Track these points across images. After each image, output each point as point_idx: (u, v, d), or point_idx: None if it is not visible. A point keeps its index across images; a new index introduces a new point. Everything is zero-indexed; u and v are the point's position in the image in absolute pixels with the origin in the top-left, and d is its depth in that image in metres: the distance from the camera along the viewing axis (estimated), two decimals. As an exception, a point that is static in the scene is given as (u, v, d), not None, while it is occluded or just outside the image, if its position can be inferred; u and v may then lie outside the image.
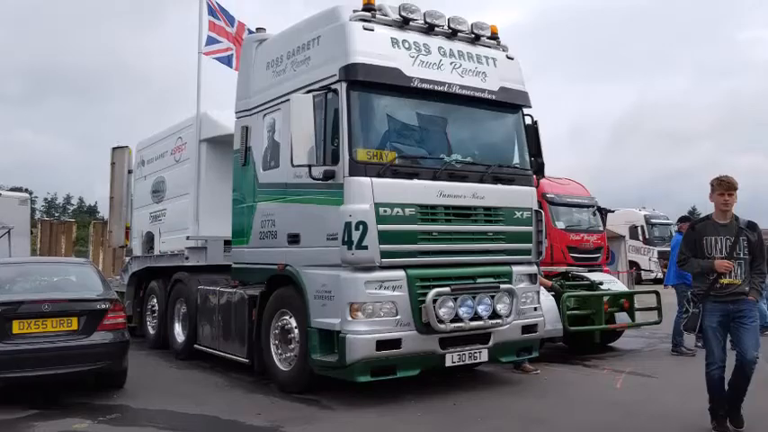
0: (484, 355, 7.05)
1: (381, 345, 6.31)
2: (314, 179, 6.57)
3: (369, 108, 6.71)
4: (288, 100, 6.93)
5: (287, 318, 7.18)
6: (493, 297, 6.87)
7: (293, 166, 6.66)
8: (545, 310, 8.04)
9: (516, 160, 7.66)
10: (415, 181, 6.68)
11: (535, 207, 7.57)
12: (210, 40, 11.48)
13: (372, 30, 6.71)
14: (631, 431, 5.87)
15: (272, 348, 7.36)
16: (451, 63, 7.11)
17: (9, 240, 14.42)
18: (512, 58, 7.69)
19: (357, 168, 6.41)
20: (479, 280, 6.97)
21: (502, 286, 7.01)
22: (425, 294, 6.48)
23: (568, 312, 8.98)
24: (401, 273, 6.52)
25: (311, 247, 6.87)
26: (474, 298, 6.74)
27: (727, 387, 5.43)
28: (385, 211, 6.42)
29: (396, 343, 6.40)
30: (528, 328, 7.41)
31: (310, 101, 6.49)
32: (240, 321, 7.93)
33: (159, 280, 10.61)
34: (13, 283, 7.17)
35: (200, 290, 9.09)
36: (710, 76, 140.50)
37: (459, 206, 6.90)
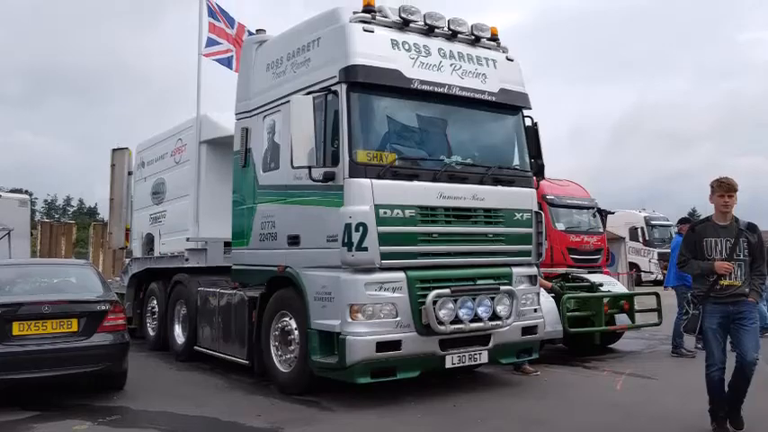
0: (484, 357, 7.04)
1: (381, 346, 6.31)
2: (314, 181, 6.58)
3: (369, 110, 6.71)
4: (288, 101, 6.93)
5: (287, 319, 7.17)
6: (493, 298, 6.87)
7: (293, 167, 6.65)
8: (545, 311, 8.03)
9: (516, 162, 7.66)
10: (415, 182, 6.68)
11: (535, 208, 7.57)
12: (210, 42, 11.49)
13: (372, 31, 6.71)
14: (631, 432, 5.87)
15: (272, 350, 7.36)
16: (451, 64, 7.12)
17: (9, 242, 14.43)
18: (512, 60, 7.70)
19: (357, 170, 6.41)
20: (479, 281, 6.97)
21: (502, 288, 7.01)
22: (425, 296, 6.48)
23: (568, 314, 8.97)
24: (401, 274, 6.52)
25: (311, 248, 6.87)
26: (474, 299, 6.74)
27: (727, 388, 5.42)
28: (385, 213, 6.42)
29: (396, 344, 6.40)
30: (528, 330, 7.41)
31: (310, 102, 6.50)
32: (240, 323, 7.92)
33: (159, 281, 10.61)
34: (13, 285, 7.17)
35: (201, 291, 9.09)
36: (711, 77, 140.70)
37: (459, 208, 6.90)
